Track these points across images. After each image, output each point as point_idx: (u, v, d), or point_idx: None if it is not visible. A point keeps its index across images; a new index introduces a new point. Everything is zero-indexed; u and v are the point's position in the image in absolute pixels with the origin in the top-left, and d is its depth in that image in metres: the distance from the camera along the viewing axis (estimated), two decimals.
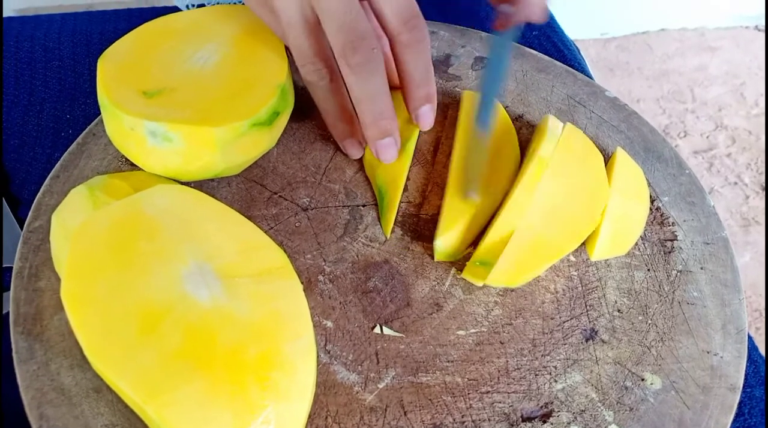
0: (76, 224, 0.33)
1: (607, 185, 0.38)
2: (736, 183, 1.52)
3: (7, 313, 0.34)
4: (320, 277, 0.37)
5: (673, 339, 0.36)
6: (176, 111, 0.34)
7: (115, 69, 0.37)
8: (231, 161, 0.36)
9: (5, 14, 1.58)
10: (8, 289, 0.35)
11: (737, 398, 0.34)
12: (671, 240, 0.40)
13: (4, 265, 0.38)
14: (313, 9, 0.34)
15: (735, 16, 1.84)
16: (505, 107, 0.46)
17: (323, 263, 0.37)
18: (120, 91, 0.35)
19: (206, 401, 0.28)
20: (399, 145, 0.39)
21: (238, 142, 0.36)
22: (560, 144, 0.40)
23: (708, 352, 0.36)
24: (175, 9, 0.54)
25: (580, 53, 0.57)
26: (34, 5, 1.71)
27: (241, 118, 0.35)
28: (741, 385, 0.35)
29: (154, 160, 0.36)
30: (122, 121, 0.35)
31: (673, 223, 0.41)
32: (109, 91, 0.35)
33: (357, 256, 0.38)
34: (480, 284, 0.37)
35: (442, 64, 0.48)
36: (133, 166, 0.39)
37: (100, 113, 0.43)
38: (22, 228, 0.38)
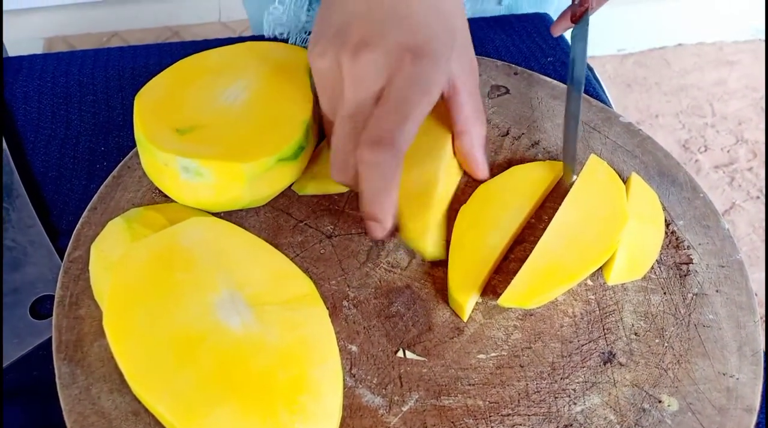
0: (115, 255, 0.35)
1: (626, 213, 0.40)
2: (758, 197, 1.51)
3: (49, 339, 0.36)
4: (345, 303, 0.38)
5: (689, 362, 0.37)
6: (207, 147, 0.37)
7: (150, 106, 0.39)
8: (258, 194, 0.38)
9: (34, 42, 1.62)
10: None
11: (754, 419, 0.35)
12: (687, 264, 0.41)
13: (45, 294, 0.40)
14: (377, 101, 0.35)
15: (753, 30, 1.83)
16: (521, 134, 0.47)
17: (347, 289, 0.39)
18: (155, 128, 0.38)
19: (238, 423, 0.29)
20: (387, 233, 0.37)
21: (265, 176, 0.38)
22: (583, 174, 0.41)
23: (724, 374, 0.36)
24: (204, 44, 0.57)
25: (595, 77, 0.59)
26: (62, 33, 1.75)
27: (268, 154, 0.37)
28: (757, 406, 0.35)
29: (186, 192, 0.38)
30: (157, 157, 0.37)
31: (688, 247, 0.42)
32: (145, 128, 0.37)
33: (380, 282, 0.39)
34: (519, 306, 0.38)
35: None
36: (167, 198, 0.41)
37: (132, 145, 0.46)
38: (61, 258, 0.40)
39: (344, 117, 0.36)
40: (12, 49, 0.78)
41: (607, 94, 0.57)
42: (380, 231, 0.37)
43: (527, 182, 0.43)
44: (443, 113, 0.43)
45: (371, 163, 0.34)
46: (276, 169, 0.38)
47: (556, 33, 0.53)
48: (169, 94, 0.40)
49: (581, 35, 0.48)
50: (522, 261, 0.38)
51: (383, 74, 0.34)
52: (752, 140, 1.63)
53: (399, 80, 0.34)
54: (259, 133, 0.38)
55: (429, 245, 0.39)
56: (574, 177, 0.42)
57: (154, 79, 0.41)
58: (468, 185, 0.44)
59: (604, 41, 1.74)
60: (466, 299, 0.37)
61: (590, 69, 0.58)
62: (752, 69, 1.79)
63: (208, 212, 0.39)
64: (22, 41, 1.55)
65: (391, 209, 0.36)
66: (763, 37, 1.83)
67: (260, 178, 0.37)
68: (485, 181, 0.43)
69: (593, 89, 0.56)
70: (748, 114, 1.69)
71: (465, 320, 0.38)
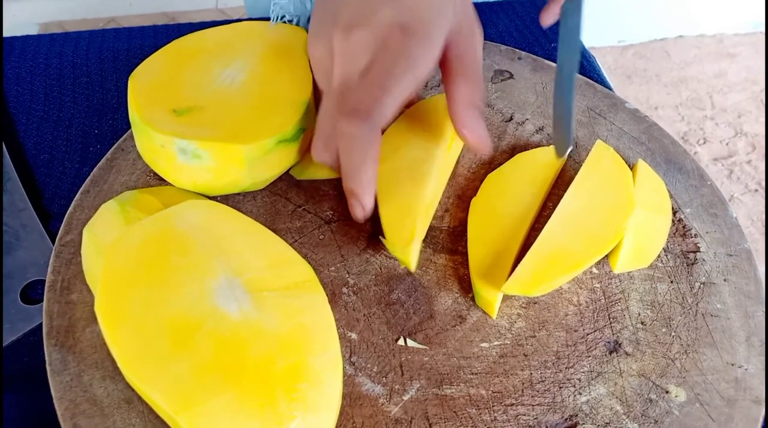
0: (108, 239, 0.34)
1: (633, 201, 0.39)
2: (756, 190, 1.51)
3: (40, 325, 0.35)
4: (344, 289, 0.37)
5: (697, 352, 0.36)
6: (205, 129, 0.35)
7: (145, 87, 0.38)
8: (258, 177, 0.37)
9: (30, 28, 1.61)
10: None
11: (762, 410, 0.34)
12: (694, 252, 0.40)
13: (36, 278, 0.39)
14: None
15: (753, 22, 1.82)
16: (526, 119, 0.46)
17: (347, 275, 0.38)
18: (150, 109, 0.36)
19: (236, 412, 0.28)
20: (367, 212, 0.36)
21: (265, 159, 0.36)
22: (588, 160, 0.40)
23: (732, 364, 0.36)
24: (200, 26, 0.56)
25: (598, 64, 0.58)
26: (57, 19, 1.73)
27: (268, 135, 0.36)
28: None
29: (183, 175, 0.36)
30: (153, 139, 0.36)
31: (695, 235, 0.41)
32: (140, 110, 0.36)
33: (380, 268, 0.38)
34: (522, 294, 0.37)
35: None
36: (162, 181, 0.40)
37: (127, 128, 0.44)
38: (53, 242, 0.39)
39: (330, 92, 0.36)
40: (7, 35, 0.77)
41: (611, 87, 0.56)
42: (359, 211, 0.36)
43: (535, 168, 0.42)
44: (434, 122, 0.42)
45: (347, 134, 0.34)
46: (276, 150, 0.37)
47: (545, 22, 0.49)
48: (165, 75, 0.38)
49: (574, 7, 0.42)
50: (526, 247, 0.37)
51: (371, 50, 0.34)
52: (751, 133, 1.62)
53: (384, 55, 0.34)
54: (259, 114, 0.37)
55: (414, 258, 0.37)
56: (570, 148, 0.40)
57: (148, 59, 0.40)
58: (474, 175, 0.43)
59: (605, 32, 1.73)
60: (495, 296, 0.36)
61: (591, 58, 0.57)
62: (752, 61, 1.79)
63: (205, 196, 0.38)
64: (17, 26, 1.53)
65: (369, 185, 0.35)
66: (764, 30, 1.83)
67: (260, 161, 0.36)
68: (486, 155, 0.41)
69: (598, 76, 0.55)
70: (748, 107, 1.69)
71: (494, 317, 0.37)
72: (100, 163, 0.41)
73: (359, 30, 0.34)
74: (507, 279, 0.36)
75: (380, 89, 0.34)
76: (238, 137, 0.35)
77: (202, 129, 0.35)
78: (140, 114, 0.36)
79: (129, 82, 0.38)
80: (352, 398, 0.33)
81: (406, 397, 0.34)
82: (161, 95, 0.37)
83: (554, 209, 0.39)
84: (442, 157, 0.40)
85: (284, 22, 0.51)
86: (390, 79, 0.34)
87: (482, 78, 0.38)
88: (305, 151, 0.41)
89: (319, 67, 0.37)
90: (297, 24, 0.55)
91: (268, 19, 0.50)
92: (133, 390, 0.32)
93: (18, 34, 0.56)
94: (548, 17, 0.49)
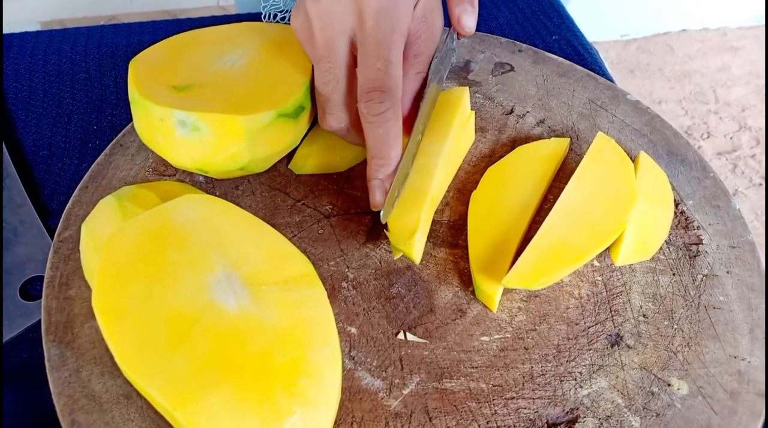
0: (106, 234, 0.33)
1: (635, 193, 0.38)
2: (761, 184, 1.50)
3: (39, 321, 0.35)
4: (344, 284, 0.37)
5: (699, 344, 0.36)
6: (205, 102, 0.35)
7: (145, 69, 0.38)
8: (257, 153, 0.37)
9: (31, 26, 1.61)
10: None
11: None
12: (696, 244, 0.40)
13: (35, 275, 0.39)
14: (354, 46, 0.37)
15: (757, 16, 1.81)
16: (526, 112, 0.46)
17: (346, 270, 0.38)
18: (150, 85, 0.36)
19: (235, 408, 0.28)
20: (386, 194, 0.37)
21: (265, 133, 0.36)
22: (590, 152, 0.40)
23: (735, 357, 0.35)
24: (200, 23, 0.55)
25: (600, 57, 0.57)
26: (59, 17, 1.73)
27: (268, 108, 0.36)
28: None
29: (182, 151, 0.36)
30: (152, 113, 0.35)
31: (698, 227, 0.40)
32: (140, 86, 0.36)
33: (380, 263, 0.38)
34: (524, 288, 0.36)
35: (462, 70, 0.48)
36: (159, 177, 0.40)
37: (126, 124, 0.44)
38: (52, 238, 0.39)
39: (318, 60, 0.37)
40: (5, 32, 0.77)
41: (613, 79, 0.56)
42: (380, 195, 0.36)
43: (536, 161, 0.42)
44: (441, 116, 0.41)
45: (370, 116, 0.36)
46: (276, 125, 0.37)
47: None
48: (166, 60, 0.39)
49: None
50: (527, 241, 0.37)
51: (350, 9, 0.36)
52: (755, 127, 1.61)
53: (367, 22, 0.36)
54: (259, 89, 0.37)
55: (418, 251, 0.37)
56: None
57: (149, 48, 0.40)
58: (474, 168, 0.43)
59: (608, 26, 1.72)
60: (496, 290, 0.36)
61: (594, 51, 0.57)
62: (756, 55, 1.77)
63: (202, 190, 0.38)
64: (18, 24, 1.53)
65: (397, 144, 0.36)
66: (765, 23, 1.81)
67: (259, 134, 0.36)
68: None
69: (599, 69, 0.54)
70: (752, 100, 1.68)
71: (494, 310, 0.36)
72: (98, 159, 0.41)
73: None
74: (507, 272, 0.36)
75: (382, 61, 0.36)
76: (237, 109, 0.35)
77: (201, 102, 0.35)
78: (140, 90, 0.36)
79: (130, 65, 0.38)
80: (351, 392, 0.33)
81: (405, 391, 0.33)
82: (161, 75, 0.37)
83: (555, 202, 0.39)
84: (448, 151, 0.40)
85: (275, 15, 0.51)
86: (385, 49, 0.36)
87: None
88: (303, 147, 0.41)
89: (302, 35, 0.38)
90: (288, 19, 0.54)
91: (259, 13, 0.50)
92: (131, 385, 0.32)
93: (18, 31, 0.56)
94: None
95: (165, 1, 1.63)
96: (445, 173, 0.41)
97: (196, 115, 0.35)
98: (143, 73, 0.37)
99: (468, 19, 0.40)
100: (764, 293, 0.38)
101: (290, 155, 0.42)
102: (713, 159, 1.54)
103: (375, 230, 0.39)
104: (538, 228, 0.37)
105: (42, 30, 0.55)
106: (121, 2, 1.61)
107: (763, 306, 0.37)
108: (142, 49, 0.40)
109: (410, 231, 0.36)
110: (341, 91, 0.37)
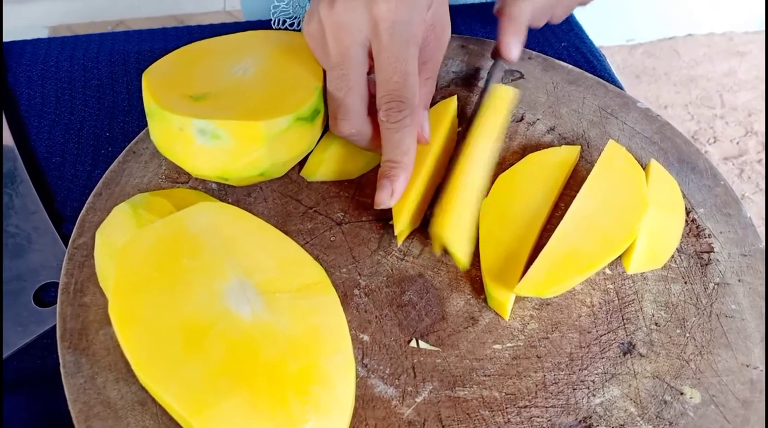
0: (121, 241, 0.34)
1: (646, 201, 0.38)
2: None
3: (53, 328, 0.35)
4: (356, 291, 0.37)
5: (711, 353, 0.36)
6: (223, 110, 0.36)
7: (160, 80, 0.38)
8: (276, 158, 0.37)
9: (39, 30, 1.62)
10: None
11: None
12: (708, 253, 0.40)
13: (49, 281, 0.39)
14: (370, 54, 0.37)
15: (763, 21, 1.81)
16: (537, 120, 0.46)
17: (358, 277, 0.38)
18: (167, 96, 0.37)
19: (249, 415, 0.28)
20: (396, 196, 0.37)
21: (284, 137, 0.37)
22: (601, 160, 0.40)
23: (747, 366, 0.35)
24: (211, 30, 0.56)
25: (608, 63, 0.57)
26: (66, 22, 1.74)
27: (286, 112, 0.36)
28: None
29: (201, 160, 0.36)
30: (171, 123, 0.36)
31: (709, 235, 0.40)
32: (157, 97, 0.36)
33: (391, 270, 0.38)
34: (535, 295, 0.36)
35: (471, 77, 0.49)
36: (173, 184, 0.40)
37: (138, 131, 0.45)
38: (65, 245, 0.39)
39: (331, 67, 0.38)
40: (16, 38, 0.77)
41: (622, 86, 0.56)
42: (387, 195, 0.37)
43: (547, 169, 0.42)
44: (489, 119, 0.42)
45: (391, 122, 0.37)
46: (293, 129, 0.37)
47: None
48: (178, 70, 0.39)
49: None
50: (538, 249, 0.37)
51: (365, 20, 0.36)
52: (762, 132, 1.61)
53: (383, 35, 0.36)
54: (274, 96, 0.37)
55: (461, 251, 0.38)
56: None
57: (160, 59, 0.40)
58: None
59: (613, 31, 1.72)
60: (508, 297, 0.36)
61: (602, 57, 0.57)
62: (762, 60, 1.77)
63: (215, 197, 0.38)
64: (26, 29, 1.54)
65: (411, 149, 0.37)
66: None
67: (279, 139, 0.36)
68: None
69: (609, 76, 0.54)
70: (758, 105, 1.67)
71: (507, 318, 0.37)
72: (112, 166, 0.42)
73: (343, 1, 0.36)
74: (519, 280, 0.36)
75: (399, 74, 0.36)
76: (256, 115, 0.36)
77: (219, 110, 0.36)
78: (157, 101, 0.36)
79: (143, 77, 0.38)
80: (364, 400, 0.33)
81: (419, 399, 0.33)
82: (176, 85, 0.38)
83: (566, 210, 0.39)
84: (492, 153, 0.42)
85: (284, 21, 0.51)
86: (401, 62, 0.36)
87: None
88: (314, 154, 0.41)
89: (315, 42, 0.39)
90: (297, 25, 0.55)
91: (265, 21, 0.50)
92: (146, 392, 0.32)
93: (27, 37, 0.56)
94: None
95: (172, 6, 1.63)
96: (489, 175, 0.42)
97: (216, 123, 0.35)
98: (157, 84, 0.38)
99: (516, 51, 0.45)
100: None
101: (302, 162, 0.42)
102: (720, 164, 1.54)
103: (386, 237, 0.39)
104: (549, 236, 0.37)
105: (54, 37, 0.55)
106: (128, 7, 1.62)
107: None
108: (153, 56, 0.40)
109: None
110: (354, 97, 0.37)
